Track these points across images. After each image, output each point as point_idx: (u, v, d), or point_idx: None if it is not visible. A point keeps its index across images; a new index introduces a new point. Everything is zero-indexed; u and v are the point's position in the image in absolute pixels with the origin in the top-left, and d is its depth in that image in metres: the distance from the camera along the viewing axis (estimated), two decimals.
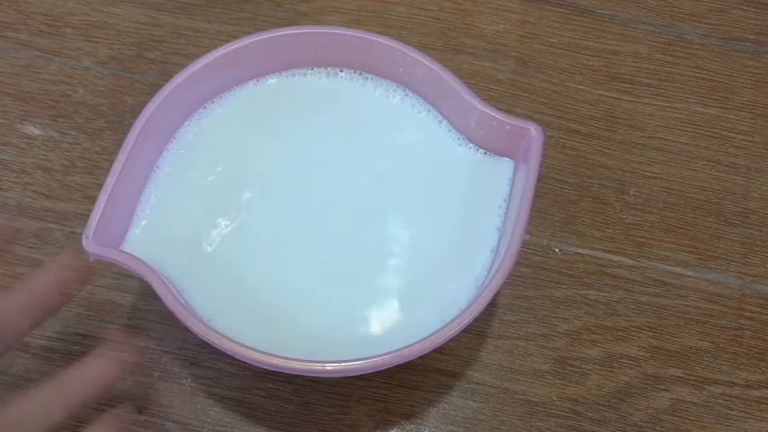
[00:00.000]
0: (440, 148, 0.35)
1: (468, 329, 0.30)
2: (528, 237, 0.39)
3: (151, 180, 0.34)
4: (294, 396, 0.35)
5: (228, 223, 0.34)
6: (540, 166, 0.32)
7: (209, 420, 0.35)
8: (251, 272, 0.33)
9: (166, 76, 0.37)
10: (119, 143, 0.33)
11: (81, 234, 0.31)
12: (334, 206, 0.34)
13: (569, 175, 0.40)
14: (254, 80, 0.37)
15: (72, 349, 0.36)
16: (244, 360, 0.30)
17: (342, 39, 0.35)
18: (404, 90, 0.36)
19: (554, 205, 0.40)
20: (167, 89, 0.34)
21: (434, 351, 0.30)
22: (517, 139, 0.33)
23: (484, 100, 0.33)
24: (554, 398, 0.36)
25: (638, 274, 0.38)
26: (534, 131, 0.33)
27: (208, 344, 0.29)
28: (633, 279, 0.38)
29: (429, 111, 0.36)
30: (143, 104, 0.33)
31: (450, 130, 0.36)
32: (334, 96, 0.36)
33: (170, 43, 0.43)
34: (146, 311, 0.37)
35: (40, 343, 0.36)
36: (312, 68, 0.37)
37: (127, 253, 0.31)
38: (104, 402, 0.35)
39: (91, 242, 0.30)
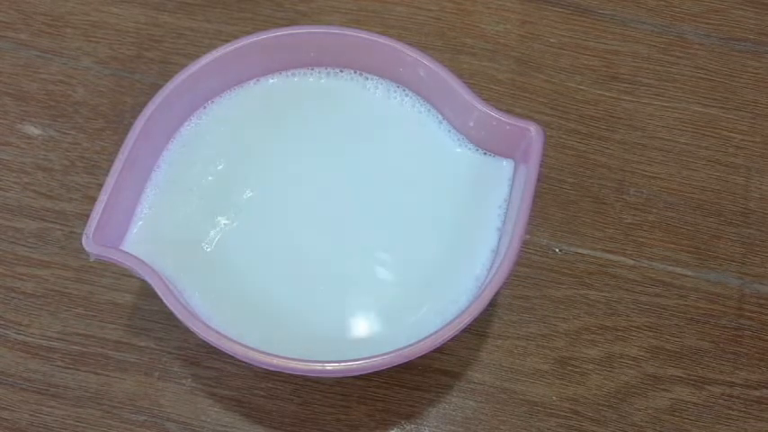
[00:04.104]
0: (440, 149, 0.35)
1: (468, 329, 0.30)
2: (528, 237, 0.39)
3: (151, 180, 0.34)
4: (294, 396, 0.35)
5: (228, 223, 0.34)
6: (540, 166, 0.32)
7: (209, 420, 0.35)
8: (250, 271, 0.33)
9: (166, 76, 0.37)
10: (119, 143, 0.33)
11: (81, 234, 0.31)
12: (334, 205, 0.34)
13: (569, 175, 0.40)
14: (255, 80, 0.37)
15: (72, 349, 0.36)
16: (244, 360, 0.30)
17: (342, 39, 0.35)
18: (404, 90, 0.36)
19: (554, 205, 0.40)
20: (167, 89, 0.34)
21: (434, 351, 0.30)
22: (517, 139, 0.33)
23: (484, 100, 0.33)
24: (554, 398, 0.36)
25: (638, 274, 0.38)
26: (534, 131, 0.33)
27: (208, 344, 0.29)
28: (633, 279, 0.38)
29: (429, 111, 0.36)
30: (143, 104, 0.33)
31: (450, 131, 0.36)
32: (334, 96, 0.36)
33: (170, 43, 0.43)
34: (146, 311, 0.37)
35: (40, 343, 0.36)
36: (312, 68, 0.37)
37: (127, 253, 0.31)
38: (105, 402, 0.35)
39: (91, 242, 0.30)
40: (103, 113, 0.41)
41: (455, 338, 0.30)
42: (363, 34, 0.35)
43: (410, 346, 0.29)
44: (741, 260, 0.39)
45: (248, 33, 0.35)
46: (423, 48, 0.35)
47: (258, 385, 0.36)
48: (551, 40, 0.44)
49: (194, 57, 0.35)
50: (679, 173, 0.40)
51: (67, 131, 0.41)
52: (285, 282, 0.33)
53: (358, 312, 0.32)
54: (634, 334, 0.37)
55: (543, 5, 0.45)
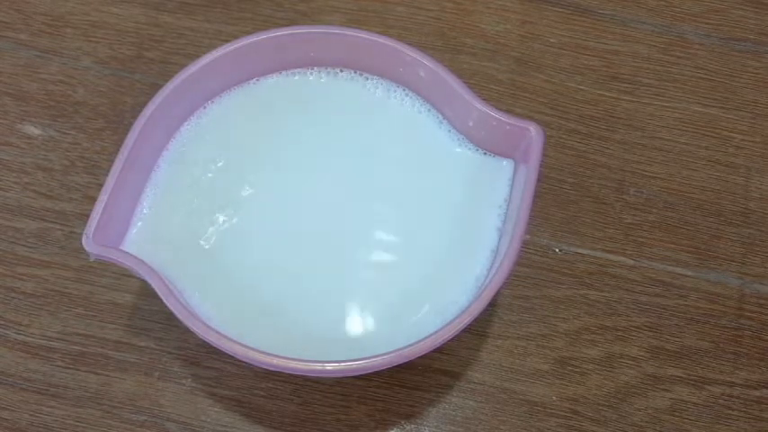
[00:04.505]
0: (440, 149, 0.35)
1: (468, 329, 0.30)
2: (528, 237, 0.39)
3: (151, 179, 0.34)
4: (294, 396, 0.35)
5: (228, 223, 0.34)
6: (540, 166, 0.32)
7: (209, 420, 0.35)
8: (250, 272, 0.33)
9: (166, 76, 0.37)
10: (119, 143, 0.33)
11: (81, 234, 0.31)
12: (334, 205, 0.34)
13: (569, 175, 0.40)
14: (255, 80, 0.37)
15: (72, 349, 0.36)
16: (244, 360, 0.30)
17: (342, 39, 0.35)
18: (404, 90, 0.36)
19: (554, 205, 0.40)
20: (167, 89, 0.34)
21: (434, 351, 0.30)
22: (517, 139, 0.33)
23: (484, 100, 0.33)
24: (554, 398, 0.36)
25: (638, 274, 0.38)
26: (534, 131, 0.33)
27: (208, 344, 0.29)
28: (633, 279, 0.38)
29: (429, 111, 0.36)
30: (143, 104, 0.33)
31: (450, 131, 0.36)
32: (334, 96, 0.36)
33: (170, 43, 0.43)
34: (146, 311, 0.37)
35: (39, 343, 0.36)
36: (312, 68, 0.37)
37: (127, 253, 0.31)
38: (105, 402, 0.35)
39: (91, 242, 0.30)
40: (103, 113, 0.41)
41: (455, 338, 0.30)
42: (363, 34, 0.35)
43: (410, 346, 0.29)
44: (741, 260, 0.39)
45: (248, 33, 0.35)
46: (423, 48, 0.35)
47: (258, 385, 0.36)
48: (551, 40, 0.44)
49: (194, 57, 0.35)
50: (679, 173, 0.40)
51: (67, 131, 0.41)
52: (285, 282, 0.33)
53: (358, 312, 0.32)
54: (634, 334, 0.37)
55: (543, 5, 0.45)
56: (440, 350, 0.31)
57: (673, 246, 0.39)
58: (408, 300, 0.33)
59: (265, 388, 0.35)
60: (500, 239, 0.33)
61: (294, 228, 0.34)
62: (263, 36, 0.35)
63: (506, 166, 0.35)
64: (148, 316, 0.37)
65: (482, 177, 0.35)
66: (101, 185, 0.31)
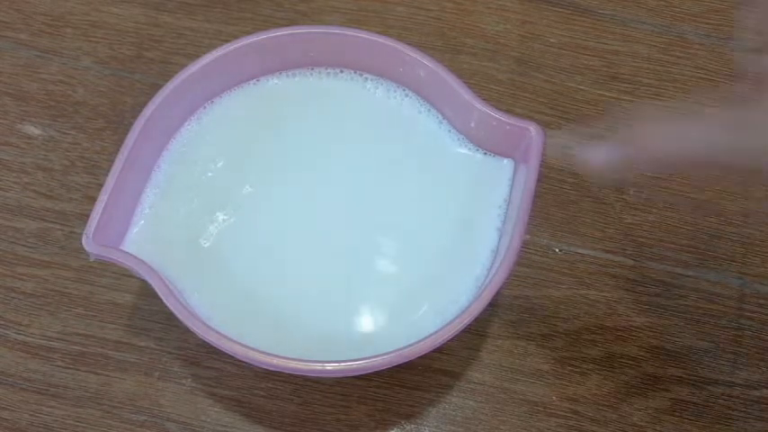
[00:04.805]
0: (440, 149, 0.35)
1: (468, 329, 0.30)
2: (528, 237, 0.39)
3: (151, 180, 0.34)
4: (294, 396, 0.35)
5: (228, 223, 0.34)
6: (540, 166, 0.32)
7: (209, 420, 0.35)
8: (250, 272, 0.33)
9: (166, 76, 0.37)
10: (119, 143, 0.33)
11: (81, 234, 0.31)
12: (334, 205, 0.34)
13: (569, 175, 0.40)
14: (255, 80, 0.37)
15: (72, 349, 0.36)
16: (244, 360, 0.30)
17: (342, 39, 0.35)
18: (404, 90, 0.36)
19: (554, 205, 0.40)
20: (167, 89, 0.34)
21: (434, 351, 0.30)
22: (517, 139, 0.33)
23: (484, 100, 0.33)
24: (554, 398, 0.36)
25: (638, 274, 0.38)
26: (534, 131, 0.33)
27: (208, 344, 0.29)
28: (633, 279, 0.38)
29: (429, 111, 0.36)
30: (143, 104, 0.33)
31: (450, 131, 0.36)
32: (334, 96, 0.36)
33: (170, 43, 0.43)
34: (146, 311, 0.37)
35: (39, 343, 0.36)
36: (312, 68, 0.37)
37: (127, 253, 0.31)
38: (105, 402, 0.35)
39: (91, 242, 0.30)
40: (103, 113, 0.41)
41: (455, 338, 0.30)
42: (363, 34, 0.35)
43: (410, 346, 0.29)
44: (741, 260, 0.39)
45: (248, 33, 0.35)
46: (423, 48, 0.35)
47: (258, 385, 0.36)
48: (551, 40, 0.44)
49: (194, 57, 0.35)
50: (679, 173, 0.40)
51: (67, 131, 0.41)
52: (285, 282, 0.33)
53: (358, 312, 0.32)
54: (634, 334, 0.37)
55: (543, 5, 0.45)
56: (440, 350, 0.31)
57: (673, 246, 0.39)
58: (408, 300, 0.32)
59: (265, 388, 0.35)
60: (500, 239, 0.33)
61: (294, 227, 0.34)
62: (263, 36, 0.35)
63: (506, 166, 0.35)
64: (148, 316, 0.37)
65: (482, 177, 0.35)
66: (101, 185, 0.31)
